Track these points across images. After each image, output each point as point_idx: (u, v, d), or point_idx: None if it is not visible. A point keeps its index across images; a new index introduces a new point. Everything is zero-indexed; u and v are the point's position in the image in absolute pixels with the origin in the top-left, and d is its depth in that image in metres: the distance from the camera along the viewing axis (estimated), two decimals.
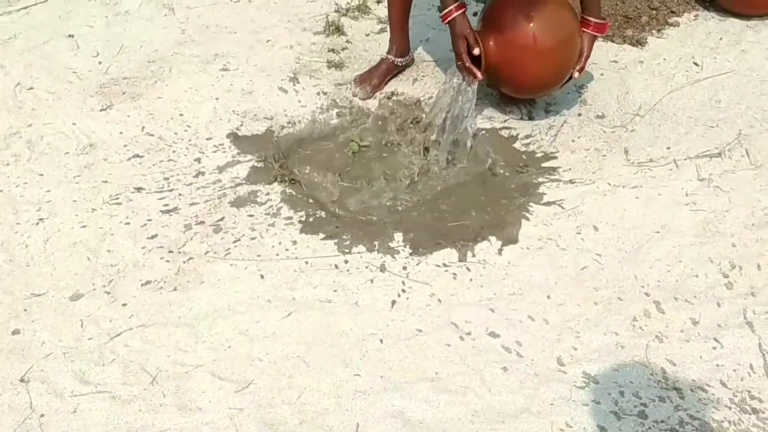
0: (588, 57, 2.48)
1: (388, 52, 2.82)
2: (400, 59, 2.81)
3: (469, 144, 2.47)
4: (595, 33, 2.47)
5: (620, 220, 2.23)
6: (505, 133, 2.58)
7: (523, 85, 2.50)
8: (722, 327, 1.94)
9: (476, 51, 2.36)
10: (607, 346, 1.90)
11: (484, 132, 2.58)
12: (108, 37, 3.02)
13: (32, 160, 2.45)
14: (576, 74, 2.46)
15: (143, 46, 2.98)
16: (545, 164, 2.44)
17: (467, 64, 2.37)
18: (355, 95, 2.75)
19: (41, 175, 2.39)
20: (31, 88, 2.76)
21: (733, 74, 2.79)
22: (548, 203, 2.30)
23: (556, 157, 2.47)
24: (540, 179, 2.38)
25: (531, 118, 2.64)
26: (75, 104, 2.68)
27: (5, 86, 2.76)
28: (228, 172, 2.43)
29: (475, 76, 2.37)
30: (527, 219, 2.24)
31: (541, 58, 2.39)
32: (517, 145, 2.53)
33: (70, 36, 3.03)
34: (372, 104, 2.73)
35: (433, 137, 2.51)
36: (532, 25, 2.37)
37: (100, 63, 2.90)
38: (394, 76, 2.84)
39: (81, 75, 2.83)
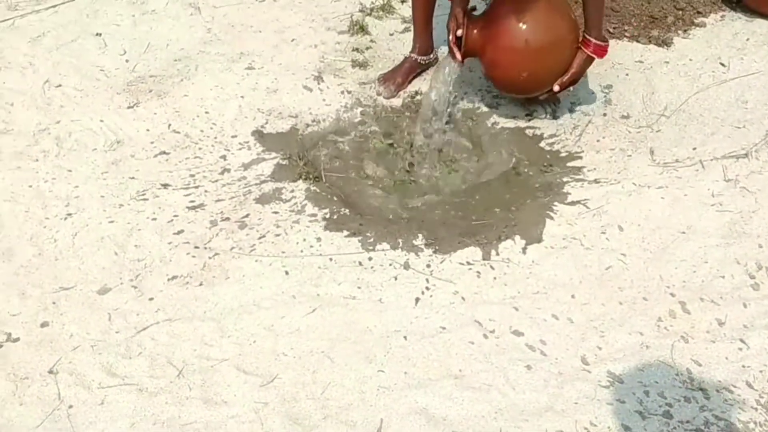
0: (576, 75, 2.42)
1: (411, 51, 2.83)
2: (423, 57, 2.82)
3: (445, 134, 2.49)
4: (591, 54, 2.39)
5: (645, 220, 2.22)
6: (529, 132, 2.58)
7: (498, 80, 2.50)
8: (748, 328, 1.93)
9: (459, 32, 2.38)
10: (632, 346, 1.89)
11: (508, 131, 2.58)
12: (135, 36, 3.05)
13: (60, 156, 2.48)
14: (556, 87, 2.42)
15: (170, 45, 3.01)
16: (570, 164, 2.43)
17: (451, 44, 2.39)
18: (379, 94, 2.76)
19: (69, 171, 2.42)
20: (60, 85, 2.80)
21: (760, 75, 2.76)
22: (573, 203, 2.29)
23: (581, 157, 2.46)
24: (565, 179, 2.38)
25: (555, 118, 2.63)
26: (102, 101, 2.72)
27: (34, 83, 2.79)
28: (253, 170, 2.45)
29: (454, 57, 2.39)
30: (551, 218, 2.24)
31: (517, 57, 2.36)
32: (541, 144, 2.53)
33: (97, 34, 3.06)
34: (396, 103, 2.74)
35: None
36: (518, 23, 2.35)
37: (127, 61, 2.93)
38: (418, 74, 2.85)
39: (108, 73, 2.86)
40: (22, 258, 2.12)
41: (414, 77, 2.84)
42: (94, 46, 2.99)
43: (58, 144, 2.53)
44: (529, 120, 2.63)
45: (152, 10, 3.20)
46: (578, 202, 2.29)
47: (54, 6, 3.21)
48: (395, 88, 2.77)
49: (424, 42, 2.81)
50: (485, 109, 2.68)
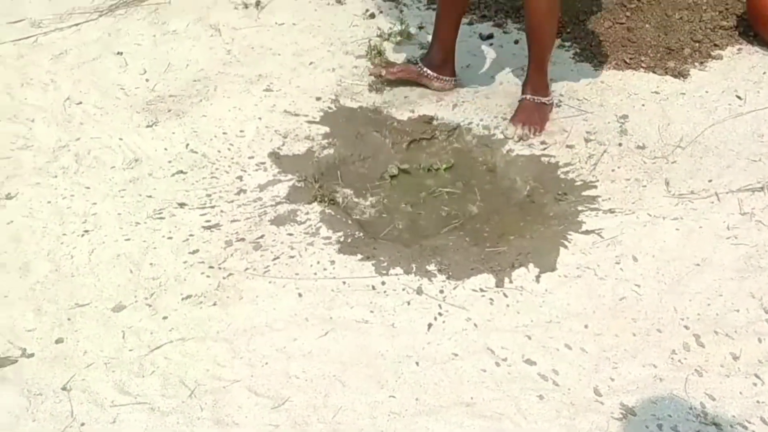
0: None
1: (420, 57, 2.89)
2: (427, 69, 2.86)
3: None
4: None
5: (660, 252, 2.22)
6: (544, 160, 2.58)
7: None
8: (763, 363, 1.91)
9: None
10: (645, 378, 1.88)
11: (523, 158, 2.59)
12: (155, 56, 3.09)
13: (79, 173, 2.51)
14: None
15: (189, 65, 3.04)
16: (585, 193, 2.44)
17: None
18: (370, 73, 2.91)
19: (87, 188, 2.45)
20: (80, 102, 2.84)
21: None
22: (587, 232, 2.29)
23: (596, 186, 2.46)
24: (579, 207, 2.38)
25: (570, 147, 2.64)
26: (122, 120, 2.75)
27: (55, 100, 2.84)
28: (269, 191, 2.46)
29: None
30: (566, 247, 2.24)
31: None
32: (556, 172, 2.53)
33: (118, 53, 3.11)
34: (412, 127, 2.75)
35: None
36: None
37: (147, 80, 2.96)
38: (416, 83, 2.90)
39: (128, 91, 2.90)
40: (39, 274, 2.14)
41: (409, 80, 2.90)
42: (115, 65, 3.03)
43: (77, 161, 2.56)
44: (545, 148, 2.64)
45: (173, 30, 3.25)
46: (593, 231, 2.29)
47: (77, 24, 3.27)
48: (386, 72, 2.88)
49: (435, 54, 2.85)
50: (500, 136, 2.69)
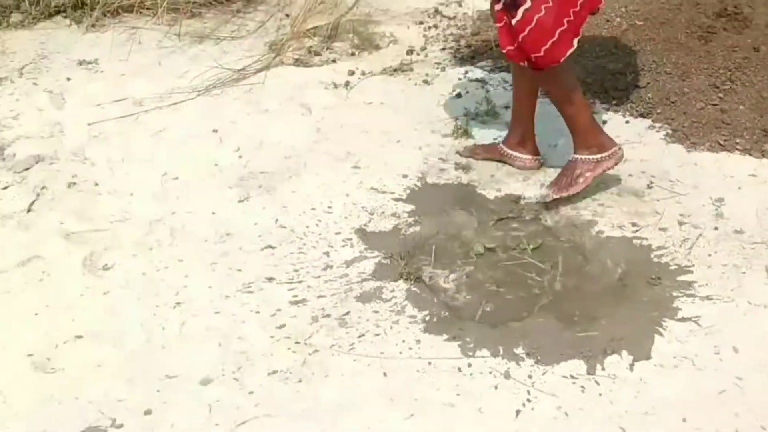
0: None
1: (503, 138, 2.95)
2: (507, 149, 2.89)
3: None
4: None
5: (763, 342, 2.11)
6: (636, 242, 2.52)
7: None
8: None
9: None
10: None
11: (614, 240, 2.53)
12: (249, 133, 3.20)
13: (173, 245, 2.59)
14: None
15: (281, 143, 3.14)
16: (680, 278, 2.36)
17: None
18: (456, 152, 3.00)
19: (181, 260, 2.52)
20: (177, 178, 2.95)
21: None
22: (683, 319, 2.20)
23: (691, 271, 2.38)
24: (674, 293, 2.30)
25: (663, 229, 2.57)
26: (215, 195, 2.84)
27: (153, 175, 2.96)
28: (355, 267, 2.48)
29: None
30: (661, 335, 2.15)
31: None
32: (649, 256, 2.46)
33: (214, 131, 3.24)
34: (498, 206, 2.74)
35: None
36: None
37: (240, 157, 3.07)
38: (500, 161, 2.93)
39: (222, 167, 3.00)
40: (133, 344, 2.19)
41: (494, 159, 2.94)
42: (211, 142, 3.15)
43: (171, 234, 2.64)
44: (636, 230, 2.57)
45: (266, 109, 3.37)
46: (689, 319, 2.20)
47: (175, 103, 3.42)
48: (470, 153, 2.98)
49: (516, 134, 2.89)
50: (589, 216, 2.65)
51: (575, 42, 2.47)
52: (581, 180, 2.62)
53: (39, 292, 2.39)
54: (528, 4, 2.42)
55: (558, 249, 2.55)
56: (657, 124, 3.12)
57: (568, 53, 2.48)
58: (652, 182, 2.80)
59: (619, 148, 2.64)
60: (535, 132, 2.92)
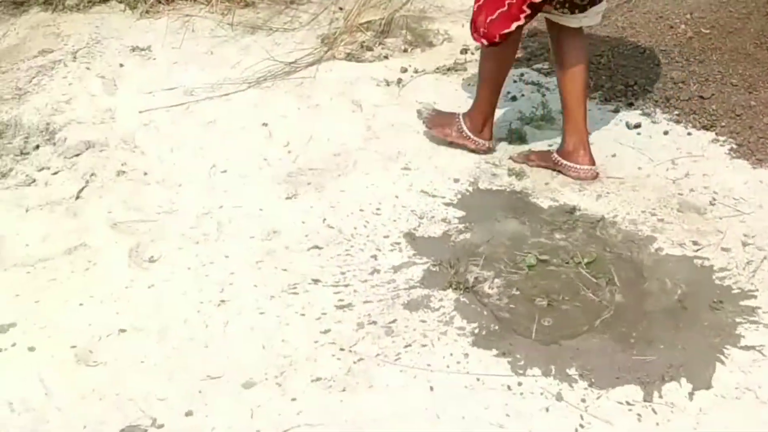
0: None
1: (464, 114, 2.93)
2: (561, 158, 2.82)
3: None
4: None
5: None
6: (697, 262, 2.41)
7: None
8: None
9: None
10: None
11: (673, 259, 2.43)
12: (299, 128, 3.15)
13: (220, 240, 2.56)
14: None
15: (331, 139, 3.08)
16: (743, 303, 2.25)
17: None
18: (510, 157, 2.94)
19: (227, 256, 2.48)
20: (225, 171, 2.91)
21: None
22: (747, 347, 2.10)
23: (755, 296, 2.27)
24: (737, 319, 2.19)
25: (726, 250, 2.46)
26: (263, 190, 2.80)
27: (202, 167, 2.93)
28: (403, 273, 2.42)
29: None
30: (722, 363, 2.06)
31: None
32: (710, 277, 2.36)
33: (264, 124, 3.19)
34: (552, 216, 2.65)
35: None
36: None
37: (289, 152, 3.02)
38: (554, 170, 2.86)
39: (271, 162, 2.96)
40: (175, 340, 2.16)
41: (545, 166, 2.88)
42: (261, 135, 3.11)
43: (218, 228, 2.61)
44: (697, 249, 2.47)
45: (316, 104, 3.32)
46: (753, 347, 2.10)
47: (227, 94, 3.39)
48: (523, 159, 2.91)
49: (568, 142, 2.81)
50: (648, 232, 2.55)
51: (514, 26, 2.60)
52: (447, 132, 2.94)
53: (84, 282, 2.38)
54: None
55: (614, 264, 2.45)
56: (721, 138, 3.00)
57: (504, 32, 2.60)
58: (714, 199, 2.68)
59: (489, 147, 2.94)
60: (589, 140, 2.82)
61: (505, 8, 2.57)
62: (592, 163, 2.81)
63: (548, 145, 3.02)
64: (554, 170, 2.85)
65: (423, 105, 3.08)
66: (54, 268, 2.43)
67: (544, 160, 2.88)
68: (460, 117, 2.94)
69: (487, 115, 2.90)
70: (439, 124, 2.98)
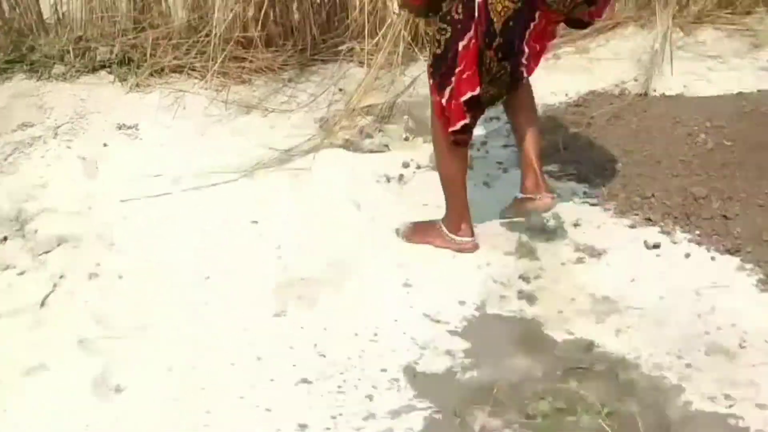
0: None
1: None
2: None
3: None
4: None
5: None
6: (732, 422, 2.15)
7: None
8: None
9: None
10: None
11: (704, 418, 2.17)
12: (291, 228, 2.92)
13: (196, 368, 2.30)
14: None
15: (325, 244, 2.85)
16: None
17: None
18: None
19: (203, 389, 2.22)
20: (208, 277, 2.68)
21: None
22: None
23: None
24: None
25: (762, 407, 2.21)
26: (249, 303, 2.55)
27: (183, 271, 2.70)
28: (401, 420, 2.15)
29: None
30: None
31: None
32: None
33: (254, 222, 2.96)
34: (566, 353, 2.40)
35: None
36: None
37: (279, 258, 2.78)
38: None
39: (259, 269, 2.72)
40: None
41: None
42: (250, 235, 2.90)
43: (194, 351, 2.36)
44: (730, 405, 2.21)
45: (311, 202, 3.09)
46: None
47: (216, 184, 3.17)
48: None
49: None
50: (675, 380, 2.29)
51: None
52: (429, 240, 2.83)
53: (36, 417, 2.10)
54: None
55: (637, 419, 2.19)
56: (747, 266, 2.76)
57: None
58: (744, 340, 2.44)
59: (475, 245, 2.83)
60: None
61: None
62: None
63: (561, 264, 2.79)
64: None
65: (399, 224, 2.93)
66: (9, 393, 2.16)
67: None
68: (440, 222, 2.82)
69: (462, 213, 2.80)
70: (420, 232, 2.87)
